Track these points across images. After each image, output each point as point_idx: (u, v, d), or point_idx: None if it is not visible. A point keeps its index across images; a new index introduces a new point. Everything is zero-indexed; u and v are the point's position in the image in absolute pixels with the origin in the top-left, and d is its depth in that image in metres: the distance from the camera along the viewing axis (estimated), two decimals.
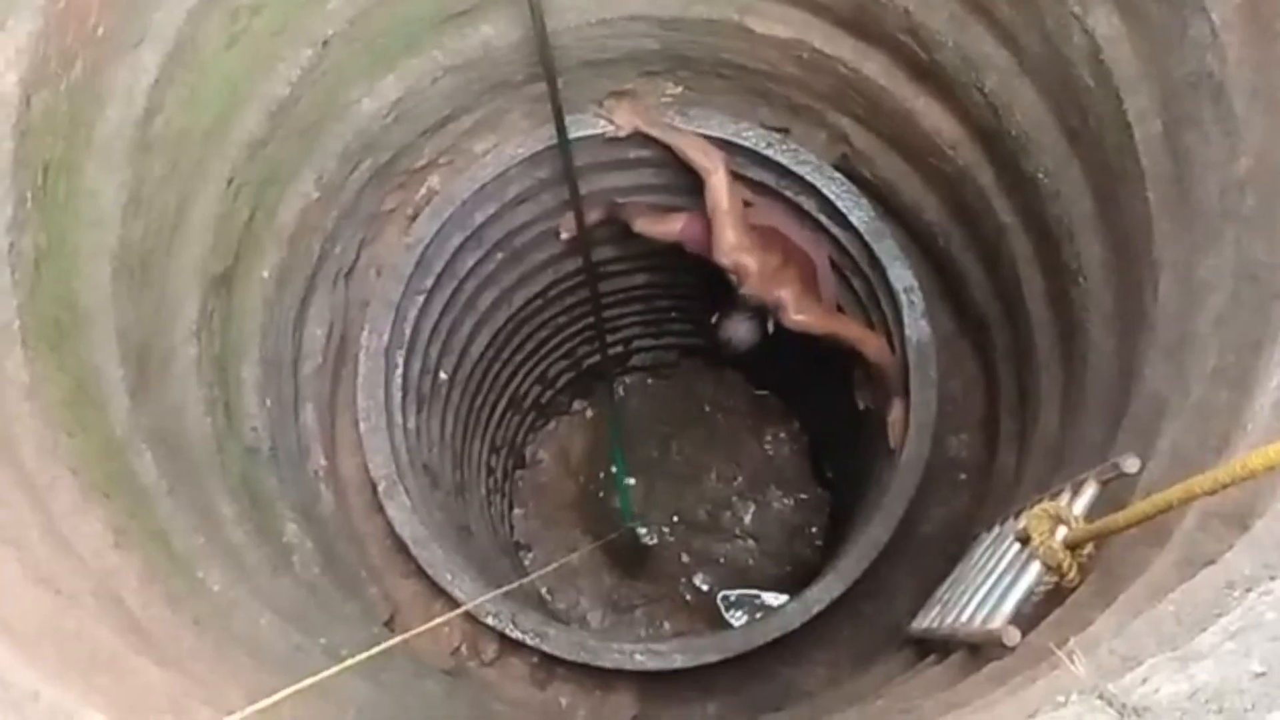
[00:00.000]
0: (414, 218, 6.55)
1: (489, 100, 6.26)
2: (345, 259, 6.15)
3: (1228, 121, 3.50)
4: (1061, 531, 3.62)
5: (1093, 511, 3.63)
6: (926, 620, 4.93)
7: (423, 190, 6.53)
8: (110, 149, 3.96)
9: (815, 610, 6.36)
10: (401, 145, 6.06)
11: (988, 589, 4.13)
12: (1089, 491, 3.73)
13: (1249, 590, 1.97)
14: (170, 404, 4.41)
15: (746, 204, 6.52)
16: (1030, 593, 3.72)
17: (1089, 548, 3.55)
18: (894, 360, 6.62)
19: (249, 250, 5.10)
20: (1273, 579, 1.96)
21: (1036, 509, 3.77)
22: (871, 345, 6.67)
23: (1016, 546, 4.00)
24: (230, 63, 4.61)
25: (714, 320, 6.49)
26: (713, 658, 6.28)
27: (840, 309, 7.05)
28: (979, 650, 3.90)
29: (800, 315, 6.39)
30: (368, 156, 5.84)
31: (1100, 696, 1.73)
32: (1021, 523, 3.87)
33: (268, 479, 5.15)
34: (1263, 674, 1.58)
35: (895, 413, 6.67)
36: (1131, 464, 3.48)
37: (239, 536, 4.55)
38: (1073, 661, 2.21)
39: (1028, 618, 3.66)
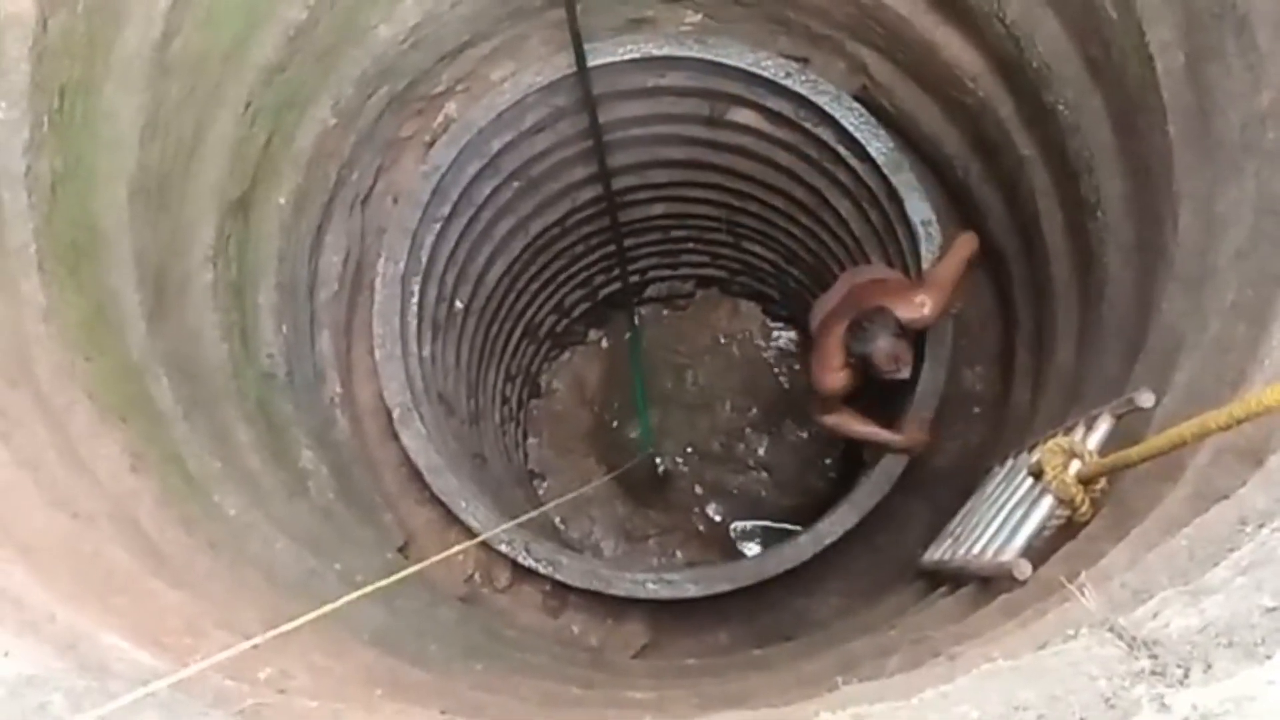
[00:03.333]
0: (431, 145, 6.52)
1: (508, 26, 6.22)
2: (362, 185, 6.14)
3: (1250, 54, 3.47)
4: (1075, 466, 3.63)
5: (1106, 446, 3.63)
6: (939, 553, 4.95)
7: (440, 117, 6.50)
8: (128, 71, 3.95)
9: (828, 541, 6.38)
10: (419, 71, 6.04)
11: (1000, 522, 4.15)
12: (1103, 426, 3.74)
13: (1262, 526, 1.97)
14: (187, 329, 4.42)
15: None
16: (1042, 526, 3.75)
17: (1102, 482, 3.56)
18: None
19: (266, 175, 5.10)
20: None
21: (1050, 443, 3.78)
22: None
23: (1029, 481, 4.02)
24: None
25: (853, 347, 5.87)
26: (725, 587, 6.32)
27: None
28: (990, 583, 3.92)
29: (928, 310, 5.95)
30: (385, 83, 5.82)
31: (1111, 630, 1.73)
32: (1035, 457, 3.89)
33: (284, 405, 5.17)
34: (1274, 609, 1.58)
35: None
36: (1146, 399, 3.49)
37: (255, 462, 4.57)
38: (1084, 594, 2.21)
39: (1039, 551, 3.67)
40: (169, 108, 4.24)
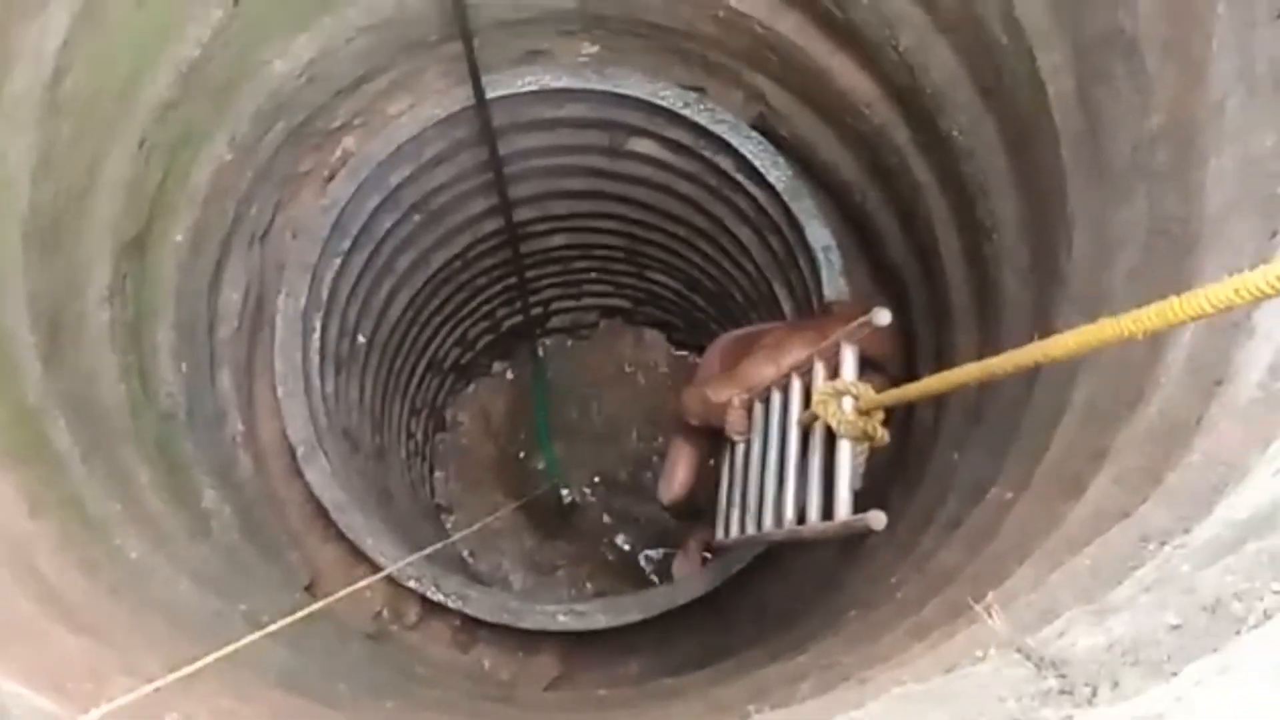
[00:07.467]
0: (330, 179, 6.47)
1: (404, 60, 6.19)
2: (260, 221, 6.08)
3: (1139, 78, 3.53)
4: (849, 403, 3.83)
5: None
6: (734, 530, 5.01)
7: (338, 152, 6.46)
8: (18, 111, 3.89)
9: (736, 569, 6.39)
10: (316, 106, 5.99)
11: (805, 483, 4.24)
12: (849, 356, 4.00)
13: (1163, 543, 2.00)
14: (84, 370, 4.35)
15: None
16: (854, 470, 3.85)
17: (880, 415, 3.78)
18: None
19: (162, 213, 5.03)
20: (1186, 531, 1.99)
21: (817, 395, 3.99)
22: None
23: (805, 435, 4.31)
24: (140, 23, 4.54)
25: None
26: (636, 617, 6.30)
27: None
28: (846, 544, 4.06)
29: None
30: (281, 117, 5.77)
31: (1018, 650, 1.74)
32: (807, 411, 4.14)
33: (184, 445, 5.10)
34: (1178, 626, 1.60)
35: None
36: (883, 316, 3.73)
37: (156, 503, 4.50)
38: (990, 615, 2.23)
39: (861, 494, 3.90)
40: (61, 147, 4.17)
